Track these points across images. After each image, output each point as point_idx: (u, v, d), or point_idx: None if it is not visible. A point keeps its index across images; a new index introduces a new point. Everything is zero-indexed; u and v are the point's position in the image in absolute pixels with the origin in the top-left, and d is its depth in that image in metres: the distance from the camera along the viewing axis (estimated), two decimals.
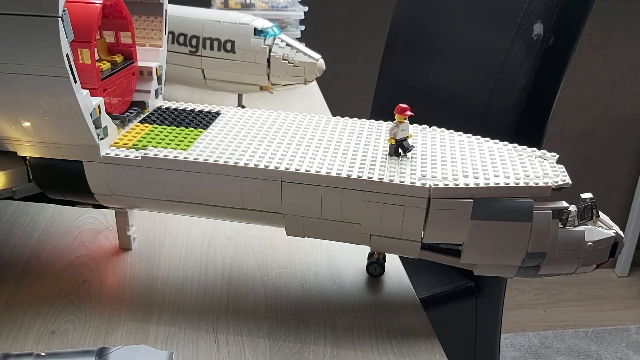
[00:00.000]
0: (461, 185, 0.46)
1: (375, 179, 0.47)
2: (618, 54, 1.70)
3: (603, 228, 0.50)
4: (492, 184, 0.47)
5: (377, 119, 0.53)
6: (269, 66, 0.85)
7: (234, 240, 0.62)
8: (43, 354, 0.43)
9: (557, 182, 0.48)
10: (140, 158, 0.49)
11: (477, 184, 0.47)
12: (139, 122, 0.55)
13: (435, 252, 0.51)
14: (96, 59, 0.53)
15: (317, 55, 0.84)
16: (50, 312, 0.51)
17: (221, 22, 0.85)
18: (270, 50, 0.84)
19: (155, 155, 0.49)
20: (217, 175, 0.49)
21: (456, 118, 1.07)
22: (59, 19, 0.42)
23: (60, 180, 0.52)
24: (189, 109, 0.59)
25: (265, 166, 0.48)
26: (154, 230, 0.63)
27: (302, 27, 1.10)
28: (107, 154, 0.49)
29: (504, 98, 0.97)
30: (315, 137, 0.54)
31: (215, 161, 0.48)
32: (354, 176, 0.47)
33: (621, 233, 0.50)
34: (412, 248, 0.50)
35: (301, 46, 0.85)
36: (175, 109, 0.58)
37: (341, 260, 0.59)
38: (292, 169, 0.48)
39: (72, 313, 0.51)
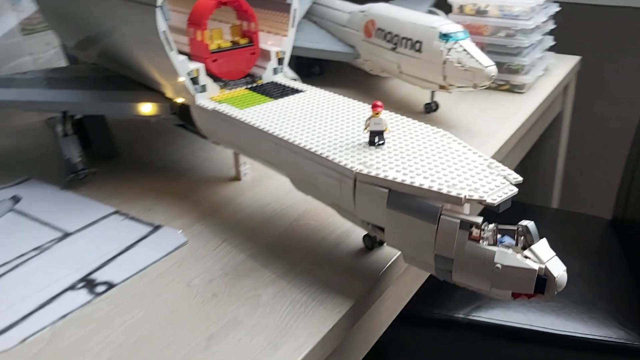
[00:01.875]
0: (381, 175, 0.53)
1: (324, 155, 0.57)
2: None
3: (529, 258, 0.48)
4: (407, 182, 0.51)
5: None
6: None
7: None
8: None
9: (472, 195, 0.49)
10: (212, 110, 0.70)
11: (395, 178, 0.52)
12: (246, 88, 0.75)
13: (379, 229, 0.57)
14: (227, 39, 0.75)
15: (488, 62, 0.88)
16: (158, 197, 0.77)
17: (416, 24, 0.97)
18: (448, 53, 0.92)
19: (219, 109, 0.69)
20: (245, 132, 0.66)
21: None
22: (159, 8, 0.65)
23: (183, 115, 0.77)
24: (287, 85, 0.76)
25: (272, 132, 0.62)
26: (265, 173, 0.82)
27: (547, 38, 1.10)
28: (200, 103, 0.72)
29: None
30: (329, 120, 0.64)
31: (246, 121, 0.65)
32: (312, 149, 0.58)
33: (556, 273, 0.47)
34: (356, 219, 0.58)
35: (478, 53, 0.90)
36: (278, 84, 0.76)
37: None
38: (285, 137, 0.61)
39: (164, 199, 0.76)
